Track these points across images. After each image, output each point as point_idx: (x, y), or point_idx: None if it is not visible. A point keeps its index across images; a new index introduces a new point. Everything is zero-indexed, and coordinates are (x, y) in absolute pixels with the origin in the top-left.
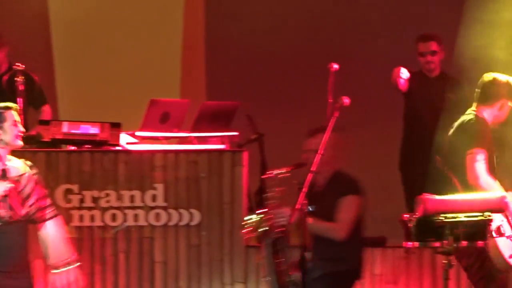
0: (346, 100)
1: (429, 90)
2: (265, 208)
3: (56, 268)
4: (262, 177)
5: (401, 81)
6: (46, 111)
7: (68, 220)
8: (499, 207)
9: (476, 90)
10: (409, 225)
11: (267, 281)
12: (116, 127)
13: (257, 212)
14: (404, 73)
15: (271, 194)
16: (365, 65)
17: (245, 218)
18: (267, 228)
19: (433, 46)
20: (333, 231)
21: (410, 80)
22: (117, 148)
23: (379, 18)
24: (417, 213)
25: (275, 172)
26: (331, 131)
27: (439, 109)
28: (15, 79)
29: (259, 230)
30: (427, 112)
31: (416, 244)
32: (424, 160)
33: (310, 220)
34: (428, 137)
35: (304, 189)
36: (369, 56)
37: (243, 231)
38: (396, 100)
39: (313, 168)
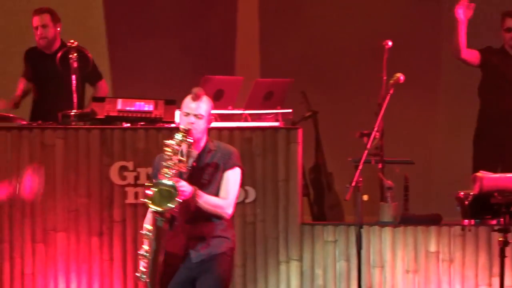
0: (402, 77)
1: (510, 66)
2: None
3: None
4: None
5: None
6: (102, 87)
7: (123, 197)
8: None
9: None
10: (465, 202)
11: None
12: (171, 104)
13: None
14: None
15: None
16: (419, 41)
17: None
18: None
19: None
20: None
21: (491, 55)
22: (172, 125)
23: None
24: (473, 191)
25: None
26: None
27: None
28: (69, 56)
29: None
30: (507, 88)
31: (472, 221)
32: (500, 136)
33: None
34: (505, 113)
35: (360, 166)
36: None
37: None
38: (457, 76)
39: (368, 146)
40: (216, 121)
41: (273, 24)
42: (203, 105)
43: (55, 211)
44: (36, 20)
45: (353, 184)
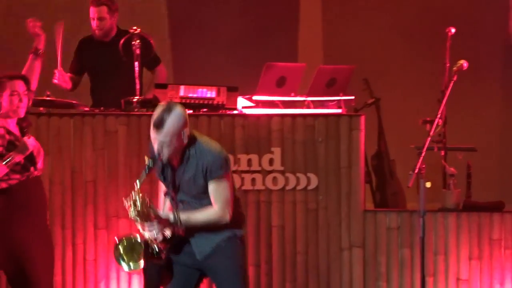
0: (465, 64)
1: None
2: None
3: None
4: None
5: None
6: (161, 71)
7: None
8: None
9: None
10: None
11: None
12: (233, 91)
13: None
14: None
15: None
16: (484, 27)
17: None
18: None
19: None
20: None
21: None
22: (234, 112)
23: None
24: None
25: None
26: None
27: None
28: (132, 43)
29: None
30: None
31: None
32: None
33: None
34: None
35: (423, 153)
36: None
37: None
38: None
39: (431, 133)
40: (279, 108)
41: (336, 10)
42: (165, 135)
43: (118, 197)
44: (93, 12)
45: (416, 171)
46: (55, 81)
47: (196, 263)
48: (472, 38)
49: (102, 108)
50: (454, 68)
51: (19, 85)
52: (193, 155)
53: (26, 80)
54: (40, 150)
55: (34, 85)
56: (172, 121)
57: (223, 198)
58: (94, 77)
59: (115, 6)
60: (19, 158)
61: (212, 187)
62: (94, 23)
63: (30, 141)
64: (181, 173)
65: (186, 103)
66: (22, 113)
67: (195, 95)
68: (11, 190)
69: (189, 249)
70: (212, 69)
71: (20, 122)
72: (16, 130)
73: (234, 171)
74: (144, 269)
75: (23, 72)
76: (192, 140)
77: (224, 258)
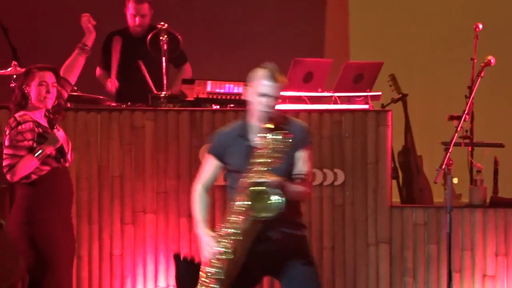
0: (492, 60)
1: None
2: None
3: None
4: None
5: None
6: (187, 69)
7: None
8: None
9: None
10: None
11: None
12: None
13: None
14: None
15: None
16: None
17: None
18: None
19: None
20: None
21: None
22: None
23: None
24: None
25: None
26: None
27: None
28: (160, 38)
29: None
30: None
31: None
32: None
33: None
34: None
35: (450, 149)
36: None
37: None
38: None
39: (458, 129)
40: (306, 103)
41: (363, 6)
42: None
43: (144, 192)
44: (135, 8)
45: (443, 167)
46: (110, 88)
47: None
48: (500, 33)
49: (129, 103)
50: (482, 64)
51: (48, 76)
52: (287, 124)
53: (55, 72)
54: (69, 142)
55: (73, 79)
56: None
57: (310, 169)
58: (122, 72)
59: (153, 3)
60: (49, 150)
61: (302, 156)
62: (134, 20)
63: (60, 133)
64: None
65: (213, 99)
66: (49, 104)
67: (222, 91)
68: (41, 179)
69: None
70: (237, 65)
71: (51, 113)
72: (44, 122)
73: None
74: None
75: (65, 64)
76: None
77: (307, 252)
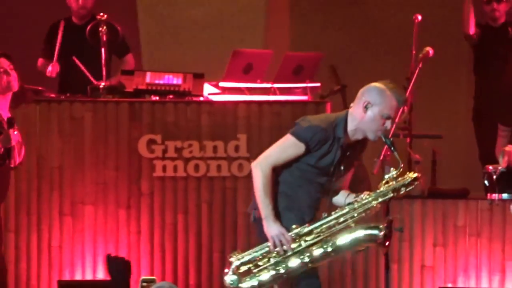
0: (431, 51)
1: (494, 39)
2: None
3: None
4: None
5: None
6: (129, 60)
7: (151, 170)
8: None
9: None
10: (493, 177)
11: None
12: (199, 77)
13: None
14: None
15: None
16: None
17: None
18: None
19: None
20: None
21: (477, 32)
22: (200, 98)
23: None
24: (501, 165)
25: None
26: None
27: (505, 57)
28: (99, 29)
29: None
30: (495, 62)
31: (500, 196)
32: (496, 114)
33: None
34: (498, 88)
35: None
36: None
37: None
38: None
39: (397, 120)
40: (245, 94)
41: None
42: None
43: (83, 184)
44: None
45: (381, 158)
46: (50, 73)
47: None
48: (439, 25)
49: (68, 95)
50: (420, 55)
51: (2, 61)
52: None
53: (7, 56)
54: (22, 147)
55: None
56: None
57: None
58: (64, 62)
59: None
60: None
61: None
62: (77, 3)
63: (15, 136)
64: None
65: (152, 90)
66: (15, 86)
67: (161, 82)
68: None
69: None
70: (179, 55)
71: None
72: (6, 115)
73: (200, 158)
74: None
75: None
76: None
77: None
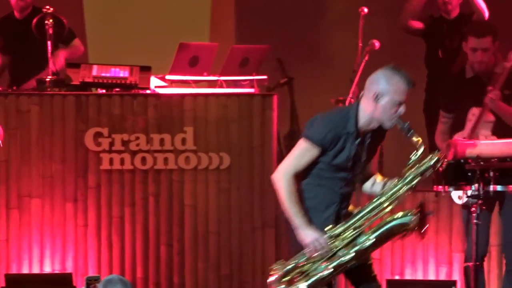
0: (377, 44)
1: (445, 32)
2: None
3: None
4: None
5: None
6: (77, 45)
7: (98, 163)
8: None
9: None
10: (439, 168)
11: None
12: (146, 70)
13: None
14: None
15: None
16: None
17: None
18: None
19: None
20: None
21: (430, 24)
22: (147, 91)
23: None
24: (447, 157)
25: None
26: None
27: (456, 50)
28: (45, 22)
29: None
30: (446, 55)
31: (447, 188)
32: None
33: None
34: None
35: None
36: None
37: None
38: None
39: None
40: (192, 87)
41: None
42: None
43: (30, 177)
44: None
45: None
46: None
47: None
48: (386, 17)
49: (14, 88)
50: (366, 48)
51: None
52: None
53: None
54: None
55: None
56: None
57: None
58: (10, 56)
59: None
60: None
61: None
62: None
63: None
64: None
65: (98, 83)
66: None
67: (108, 75)
68: None
69: None
70: (125, 48)
71: None
72: None
73: (147, 151)
74: None
75: None
76: None
77: None
